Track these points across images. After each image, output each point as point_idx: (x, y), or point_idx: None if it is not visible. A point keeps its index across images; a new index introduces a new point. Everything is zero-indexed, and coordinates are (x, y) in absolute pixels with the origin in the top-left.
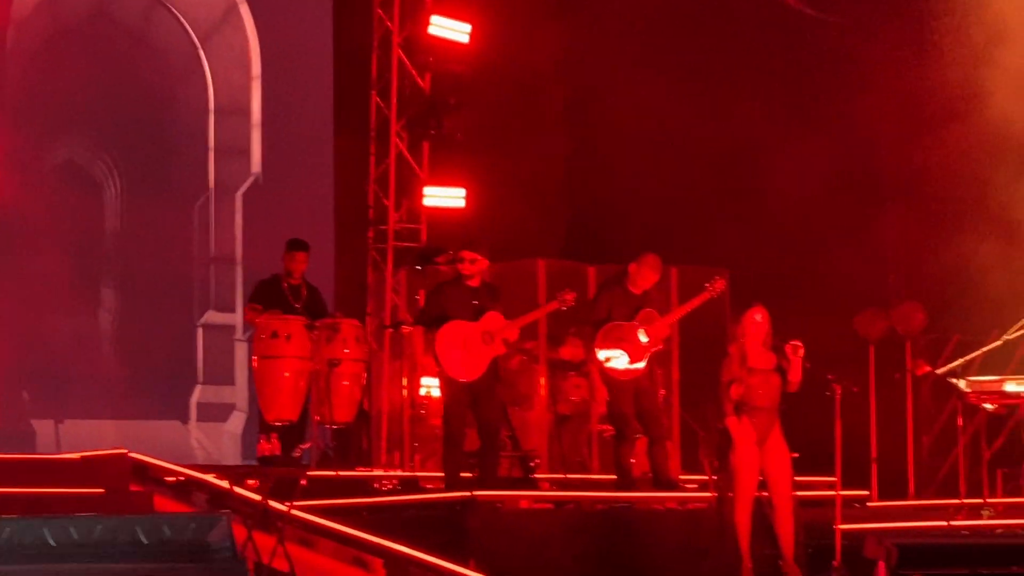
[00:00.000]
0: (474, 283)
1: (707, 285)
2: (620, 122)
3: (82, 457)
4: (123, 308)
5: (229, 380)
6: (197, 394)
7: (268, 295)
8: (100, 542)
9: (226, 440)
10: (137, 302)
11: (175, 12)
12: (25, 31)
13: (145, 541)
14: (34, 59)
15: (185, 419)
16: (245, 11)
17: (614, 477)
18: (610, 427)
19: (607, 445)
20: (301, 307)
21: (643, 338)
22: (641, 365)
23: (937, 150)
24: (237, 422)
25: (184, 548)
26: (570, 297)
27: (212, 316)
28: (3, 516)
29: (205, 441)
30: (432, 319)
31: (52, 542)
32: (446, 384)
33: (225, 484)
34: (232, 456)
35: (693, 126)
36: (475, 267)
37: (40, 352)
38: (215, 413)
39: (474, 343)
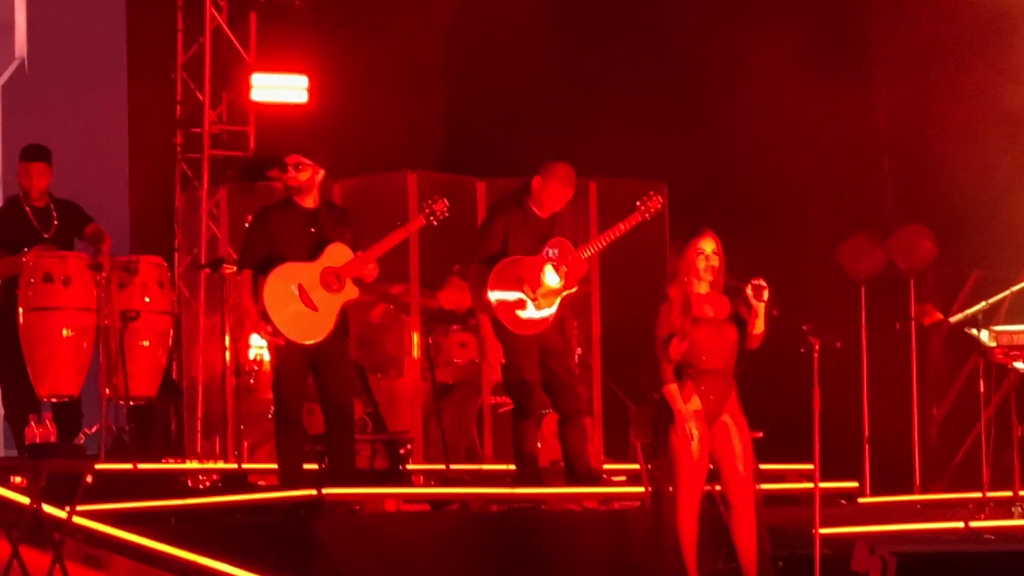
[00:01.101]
0: (310, 204)
1: (638, 204)
2: None
3: None
4: None
5: None
6: None
7: (8, 228)
8: None
9: None
10: None
11: None
12: None
13: None
14: None
15: None
16: None
17: (513, 468)
18: (508, 399)
19: (504, 424)
20: (53, 236)
21: (552, 278)
22: (549, 313)
23: None
24: None
25: None
26: (441, 207)
27: None
28: None
29: None
30: (255, 259)
31: None
32: (276, 347)
33: None
34: None
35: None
36: (305, 179)
37: None
38: None
39: (313, 288)
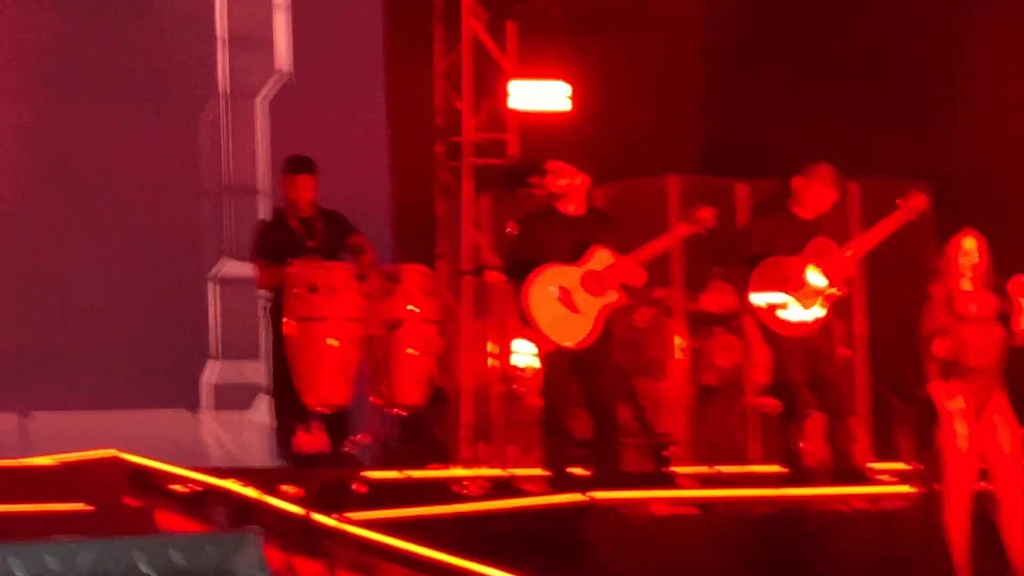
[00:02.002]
0: (573, 210)
1: (900, 203)
2: None
3: (60, 463)
4: (106, 260)
5: (252, 353)
6: (210, 373)
7: (274, 240)
8: (89, 573)
9: (251, 433)
10: (125, 251)
11: None
12: None
13: (148, 572)
14: None
15: (195, 406)
16: None
17: (781, 468)
18: (773, 401)
19: (770, 425)
20: (317, 246)
21: (817, 278)
22: (814, 315)
23: None
24: (262, 409)
25: None
26: (706, 215)
27: (228, 266)
28: None
29: (223, 435)
30: (519, 264)
31: (22, 574)
32: (543, 352)
33: (254, 493)
34: (260, 455)
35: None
36: (566, 184)
37: None
38: (235, 398)
39: (575, 291)
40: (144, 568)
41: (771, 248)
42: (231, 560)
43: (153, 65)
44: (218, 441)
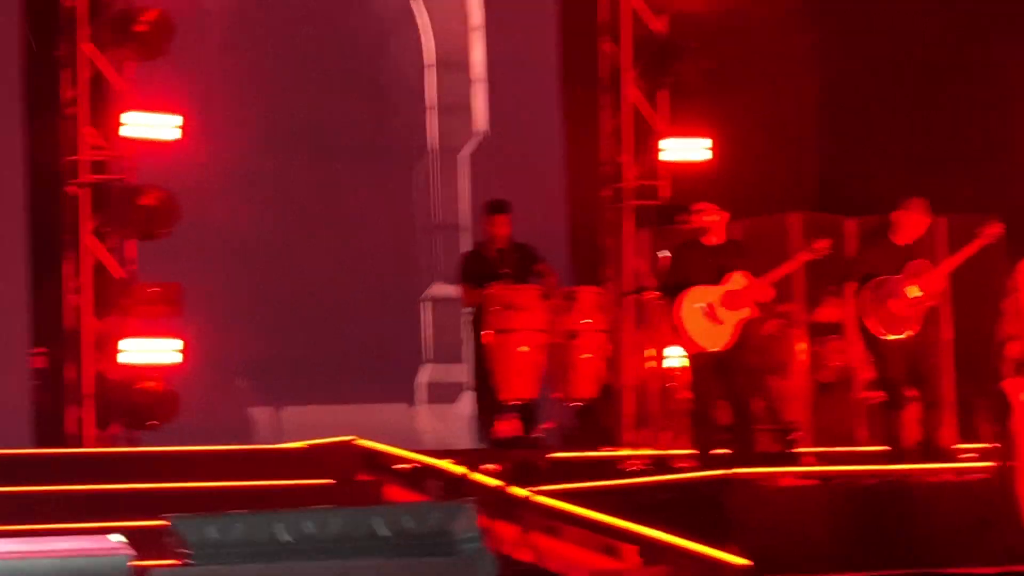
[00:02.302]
0: (714, 241)
1: (980, 231)
2: (876, 61)
3: (308, 446)
4: (340, 283)
5: (458, 357)
6: (424, 374)
7: (476, 267)
8: (337, 536)
9: (456, 422)
10: (355, 276)
11: None
12: None
13: (385, 533)
14: (239, 19)
15: (412, 401)
16: None
17: (884, 448)
18: (878, 394)
19: (875, 413)
20: (510, 272)
21: (914, 293)
22: (912, 323)
23: None
24: (468, 402)
25: (427, 540)
26: (823, 245)
27: (438, 288)
28: (232, 512)
29: (435, 424)
30: (672, 286)
31: (286, 538)
32: (691, 355)
33: (461, 470)
34: (464, 439)
35: (958, 61)
36: (708, 220)
37: (253, 336)
38: (444, 394)
39: (718, 307)
40: (381, 531)
41: (876, 270)
42: (451, 524)
43: (377, 127)
44: (431, 428)
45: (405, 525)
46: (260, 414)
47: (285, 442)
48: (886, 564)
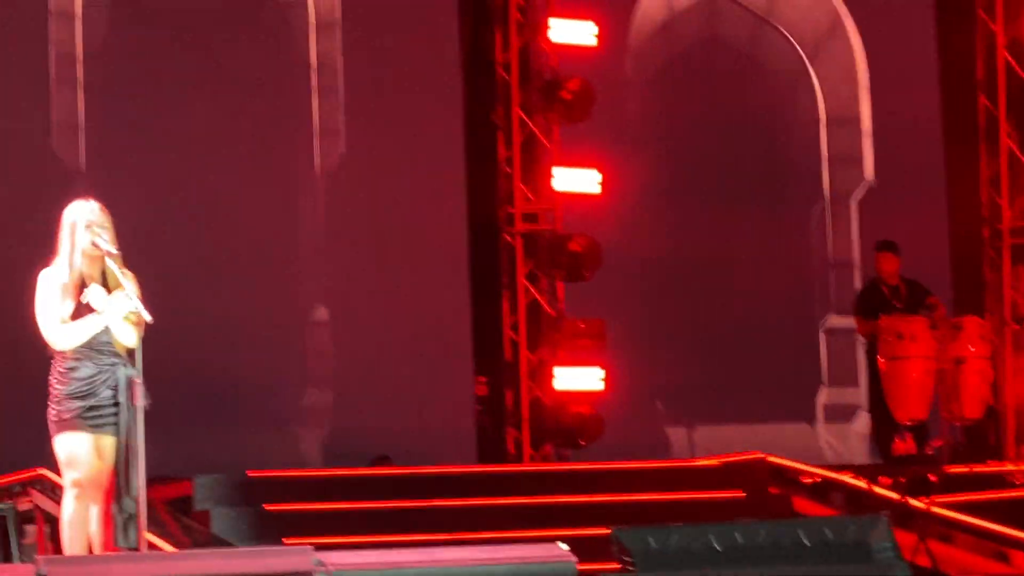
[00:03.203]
0: None
1: None
2: None
3: (721, 462)
4: (745, 315)
5: (852, 381)
6: (823, 396)
7: (869, 301)
8: (764, 546)
9: (853, 440)
10: (759, 308)
11: (782, 30)
12: (642, 60)
13: (808, 543)
14: (651, 85)
15: (812, 421)
16: (850, 24)
17: None
18: None
19: None
20: (901, 305)
21: None
22: None
23: None
24: (863, 422)
25: (846, 549)
26: None
27: (834, 320)
28: (669, 524)
29: (833, 441)
30: None
31: (718, 547)
32: None
33: (862, 483)
34: (859, 455)
35: None
36: None
37: (668, 363)
38: (841, 414)
39: None
40: (805, 541)
41: None
42: (868, 535)
43: (774, 176)
44: (829, 445)
45: (825, 536)
46: (675, 433)
47: (699, 458)
48: None
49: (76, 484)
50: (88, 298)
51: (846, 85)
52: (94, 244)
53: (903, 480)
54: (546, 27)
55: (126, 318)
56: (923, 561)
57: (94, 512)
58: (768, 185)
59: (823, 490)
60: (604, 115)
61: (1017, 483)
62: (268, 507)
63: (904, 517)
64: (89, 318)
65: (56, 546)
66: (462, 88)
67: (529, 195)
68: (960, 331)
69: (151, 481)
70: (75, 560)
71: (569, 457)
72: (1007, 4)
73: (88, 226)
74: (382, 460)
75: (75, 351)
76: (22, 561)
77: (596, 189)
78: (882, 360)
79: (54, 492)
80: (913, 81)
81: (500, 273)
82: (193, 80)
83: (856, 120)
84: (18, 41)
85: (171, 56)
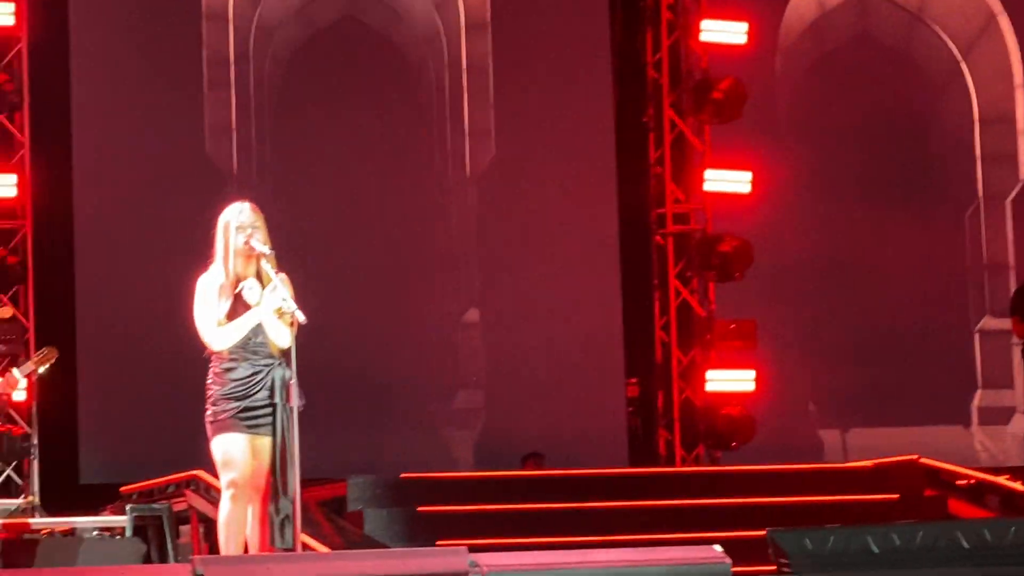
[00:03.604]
0: None
1: None
2: None
3: (874, 465)
4: (898, 317)
5: (1008, 384)
6: (978, 398)
7: None
8: (921, 548)
9: (1009, 442)
10: (911, 310)
11: (934, 27)
12: (792, 58)
13: (966, 546)
14: (801, 83)
15: (967, 423)
16: (1004, 21)
17: None
18: None
19: None
20: None
21: None
22: None
23: None
24: (1019, 424)
25: (1005, 552)
26: None
27: (989, 322)
28: (826, 526)
29: (988, 444)
30: None
31: (875, 549)
32: None
33: (1019, 486)
34: (1015, 458)
35: None
36: None
37: (820, 365)
38: (996, 416)
39: None
40: (963, 543)
41: None
42: None
43: (927, 176)
44: (984, 448)
45: (984, 538)
46: (828, 436)
47: (852, 461)
48: None
49: (232, 485)
50: (243, 290)
51: (1000, 83)
52: (247, 244)
53: None
54: (697, 27)
55: (281, 318)
56: None
57: (250, 513)
58: (920, 185)
59: (978, 493)
60: (753, 114)
61: None
62: (421, 508)
63: None
64: (244, 316)
65: (210, 546)
66: (612, 89)
67: (679, 195)
68: None
69: (305, 482)
70: (232, 560)
71: (720, 459)
72: None
73: (240, 227)
74: (534, 456)
75: (231, 352)
76: (178, 561)
77: (746, 189)
78: None
79: (209, 493)
80: None
81: (651, 274)
82: (345, 83)
83: (1010, 119)
84: (171, 45)
85: (323, 58)
